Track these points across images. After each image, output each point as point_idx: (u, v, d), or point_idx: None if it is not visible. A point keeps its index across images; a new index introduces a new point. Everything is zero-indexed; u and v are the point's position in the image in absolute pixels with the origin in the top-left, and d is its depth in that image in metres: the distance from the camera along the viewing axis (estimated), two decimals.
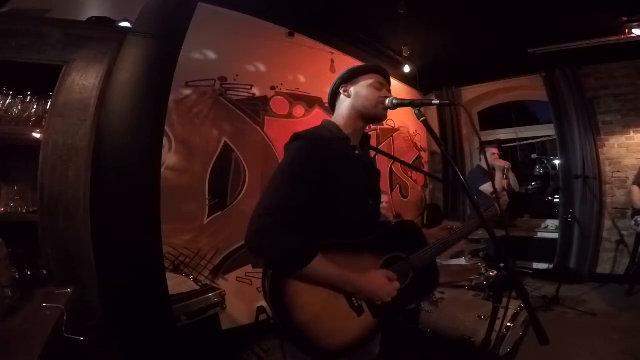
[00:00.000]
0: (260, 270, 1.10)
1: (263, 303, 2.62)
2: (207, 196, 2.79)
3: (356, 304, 1.07)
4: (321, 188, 1.06)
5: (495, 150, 3.70)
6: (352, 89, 1.22)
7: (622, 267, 4.04)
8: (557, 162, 4.67)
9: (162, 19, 1.82)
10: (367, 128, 1.29)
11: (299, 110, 3.45)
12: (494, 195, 1.29)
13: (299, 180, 1.03)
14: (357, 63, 1.40)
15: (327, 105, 1.36)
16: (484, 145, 3.87)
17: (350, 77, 1.24)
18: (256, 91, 3.13)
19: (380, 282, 1.07)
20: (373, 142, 1.41)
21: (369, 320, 1.08)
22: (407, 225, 1.25)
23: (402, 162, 4.25)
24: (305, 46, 3.56)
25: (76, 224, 1.47)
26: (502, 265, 2.11)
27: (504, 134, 5.24)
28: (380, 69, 1.27)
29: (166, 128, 2.26)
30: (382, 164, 4.36)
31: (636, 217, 3.57)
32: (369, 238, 1.14)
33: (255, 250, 0.97)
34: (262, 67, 3.22)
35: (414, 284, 1.17)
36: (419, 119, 1.15)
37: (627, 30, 3.54)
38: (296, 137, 1.12)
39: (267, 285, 1.02)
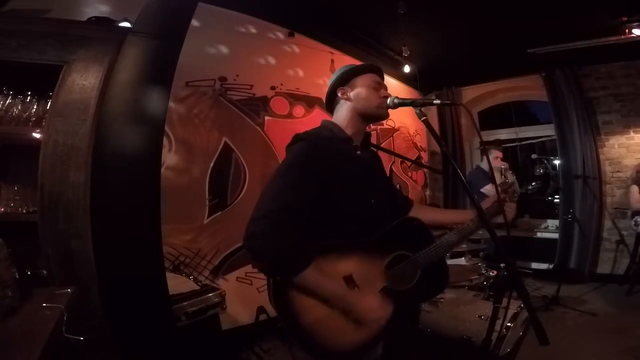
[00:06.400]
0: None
1: (263, 303, 2.62)
2: (207, 196, 2.79)
3: None
4: (322, 188, 1.05)
5: (499, 154, 3.70)
6: (350, 91, 1.21)
7: (622, 267, 4.04)
8: (557, 162, 4.67)
9: (162, 19, 1.82)
10: (367, 128, 1.28)
11: (299, 110, 3.45)
12: (500, 193, 1.26)
13: (298, 182, 1.02)
14: (357, 63, 1.39)
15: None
16: (487, 146, 3.87)
17: (346, 79, 1.22)
18: (256, 91, 3.12)
19: (373, 304, 1.03)
20: (373, 142, 1.41)
21: None
22: (412, 222, 1.21)
23: (405, 158, 4.25)
24: (305, 46, 3.56)
25: (76, 224, 1.47)
26: (502, 265, 2.11)
27: (504, 134, 5.24)
28: (374, 67, 1.26)
29: (166, 128, 2.26)
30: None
31: (636, 217, 3.58)
32: (374, 237, 1.12)
33: (250, 252, 0.96)
34: (262, 67, 3.22)
35: (422, 283, 1.14)
36: (420, 118, 1.15)
37: (627, 30, 3.53)
38: (297, 138, 1.12)
39: (271, 287, 1.01)
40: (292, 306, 0.99)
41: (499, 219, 1.25)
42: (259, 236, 0.95)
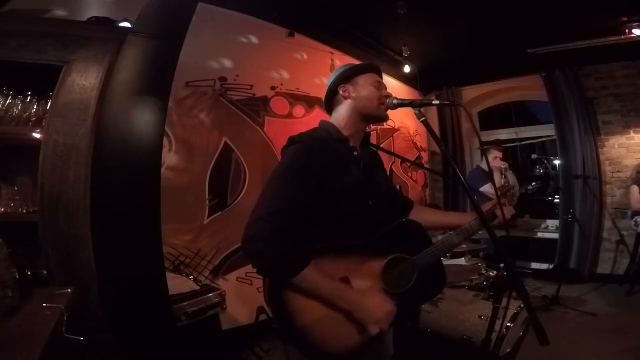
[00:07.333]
0: None
1: (263, 303, 2.61)
2: (207, 196, 2.79)
3: None
4: (319, 190, 1.05)
5: (498, 154, 3.71)
6: (352, 89, 1.19)
7: (622, 267, 4.04)
8: (557, 162, 4.67)
9: (162, 19, 1.82)
10: (367, 128, 1.26)
11: (299, 110, 3.45)
12: (499, 193, 1.26)
13: (295, 184, 1.01)
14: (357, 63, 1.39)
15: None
16: (486, 146, 3.87)
17: (347, 77, 1.21)
18: (256, 91, 3.12)
19: (377, 301, 1.03)
20: (373, 143, 1.41)
21: None
22: (409, 225, 1.20)
23: (405, 159, 4.25)
24: (305, 46, 3.56)
25: (76, 224, 1.47)
26: (502, 265, 2.11)
27: (504, 134, 5.24)
28: (374, 66, 1.25)
29: (166, 128, 2.26)
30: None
31: (636, 217, 3.58)
32: (371, 239, 1.11)
33: (249, 256, 0.96)
34: (262, 67, 3.22)
35: (418, 285, 1.14)
36: (419, 119, 1.14)
37: (627, 30, 3.53)
38: (292, 140, 1.11)
39: (266, 287, 1.01)
40: (287, 307, 0.98)
41: (499, 220, 1.25)
42: (258, 239, 0.94)
